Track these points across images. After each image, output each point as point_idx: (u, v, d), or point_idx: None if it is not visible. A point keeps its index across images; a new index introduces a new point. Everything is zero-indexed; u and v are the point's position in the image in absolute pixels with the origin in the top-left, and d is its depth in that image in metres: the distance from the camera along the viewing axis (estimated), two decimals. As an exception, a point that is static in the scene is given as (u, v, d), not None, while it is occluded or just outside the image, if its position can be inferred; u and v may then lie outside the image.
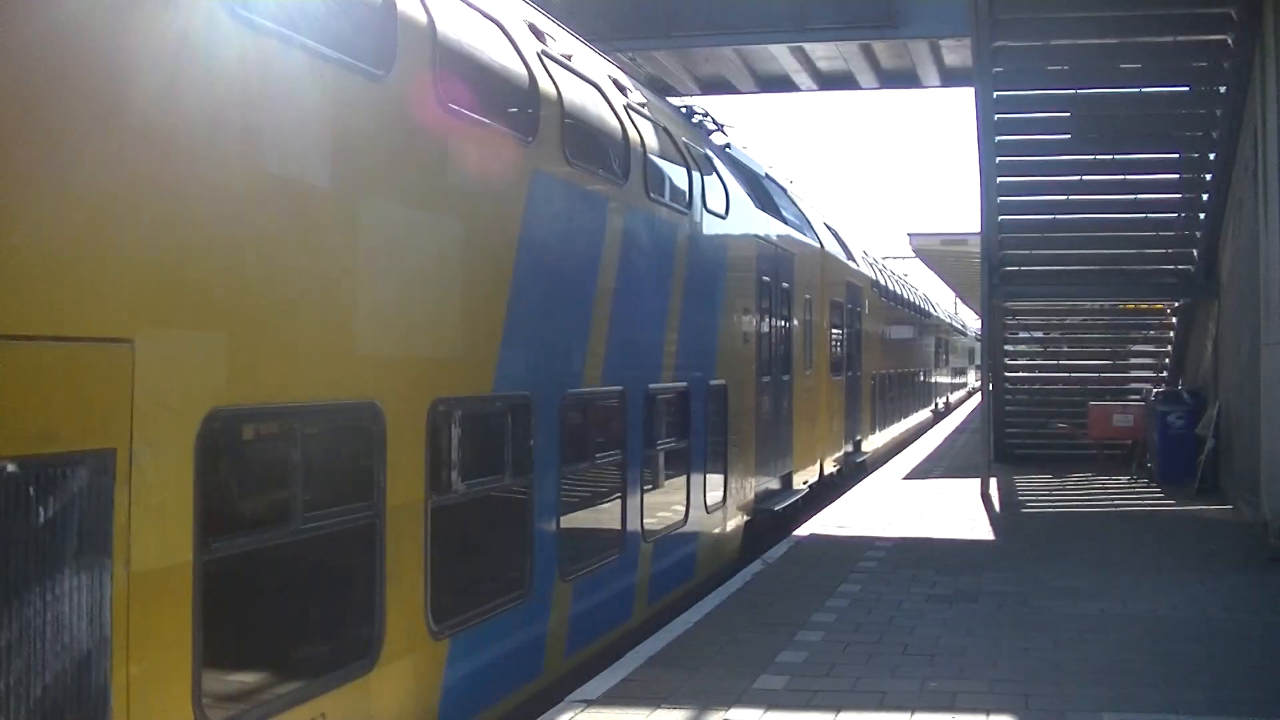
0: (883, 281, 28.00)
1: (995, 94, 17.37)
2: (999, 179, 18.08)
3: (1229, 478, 17.06)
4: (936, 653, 8.54)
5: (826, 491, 18.55)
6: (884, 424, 27.26)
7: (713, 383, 12.33)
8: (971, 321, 63.75)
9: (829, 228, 22.10)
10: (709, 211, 12.43)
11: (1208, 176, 17.52)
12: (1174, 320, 21.67)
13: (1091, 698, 7.38)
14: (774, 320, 15.22)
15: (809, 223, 19.29)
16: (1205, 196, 17.68)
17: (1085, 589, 10.83)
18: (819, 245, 18.98)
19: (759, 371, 14.32)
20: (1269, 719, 7.09)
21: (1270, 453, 13.76)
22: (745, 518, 13.72)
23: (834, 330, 19.96)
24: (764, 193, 16.26)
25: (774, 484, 15.37)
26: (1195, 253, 18.50)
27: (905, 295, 33.72)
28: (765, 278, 14.76)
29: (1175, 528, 14.75)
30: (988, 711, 7.15)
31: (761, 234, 14.85)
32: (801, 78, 24.21)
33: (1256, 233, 14.42)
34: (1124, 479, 19.78)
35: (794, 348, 16.49)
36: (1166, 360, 22.33)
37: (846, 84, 24.89)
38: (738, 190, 14.02)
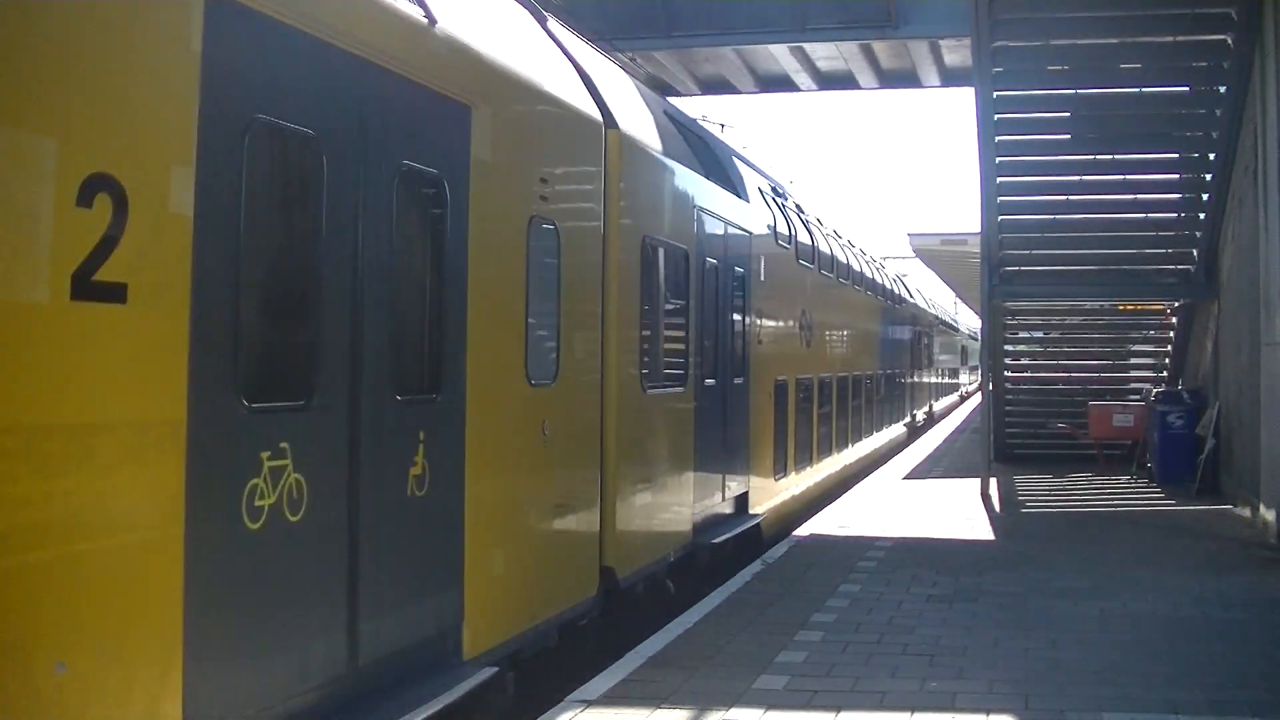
0: (802, 238, 17.36)
1: (995, 94, 17.37)
2: (999, 179, 18.07)
3: (1229, 478, 17.06)
4: (936, 653, 8.54)
5: (628, 621, 9.67)
6: (811, 457, 17.75)
7: None
8: (972, 321, 63.74)
9: (675, 120, 12.54)
10: None
11: (1208, 176, 17.52)
12: (1174, 320, 21.69)
13: (1091, 698, 7.37)
14: (354, 261, 6.08)
15: (586, 79, 9.62)
16: (1205, 196, 17.68)
17: (1085, 589, 10.83)
18: (598, 121, 9.27)
19: (244, 392, 5.18)
20: (1269, 719, 7.09)
21: (1270, 453, 13.76)
22: None
23: (667, 304, 11.01)
24: None
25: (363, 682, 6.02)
26: (1195, 253, 18.49)
27: (855, 266, 22.58)
28: (313, 149, 5.75)
29: (1175, 528, 14.74)
30: (988, 711, 7.15)
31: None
32: (801, 78, 24.21)
33: (1256, 233, 14.43)
34: (1124, 479, 19.78)
35: (474, 331, 7.17)
36: (1166, 360, 22.34)
37: (846, 84, 24.89)
38: None
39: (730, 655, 8.46)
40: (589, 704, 7.27)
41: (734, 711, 7.13)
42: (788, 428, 16.01)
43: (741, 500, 13.70)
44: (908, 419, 31.87)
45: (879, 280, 26.57)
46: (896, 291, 30.00)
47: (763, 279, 14.59)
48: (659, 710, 7.15)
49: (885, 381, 26.62)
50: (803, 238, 17.56)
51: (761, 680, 7.79)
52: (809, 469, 17.63)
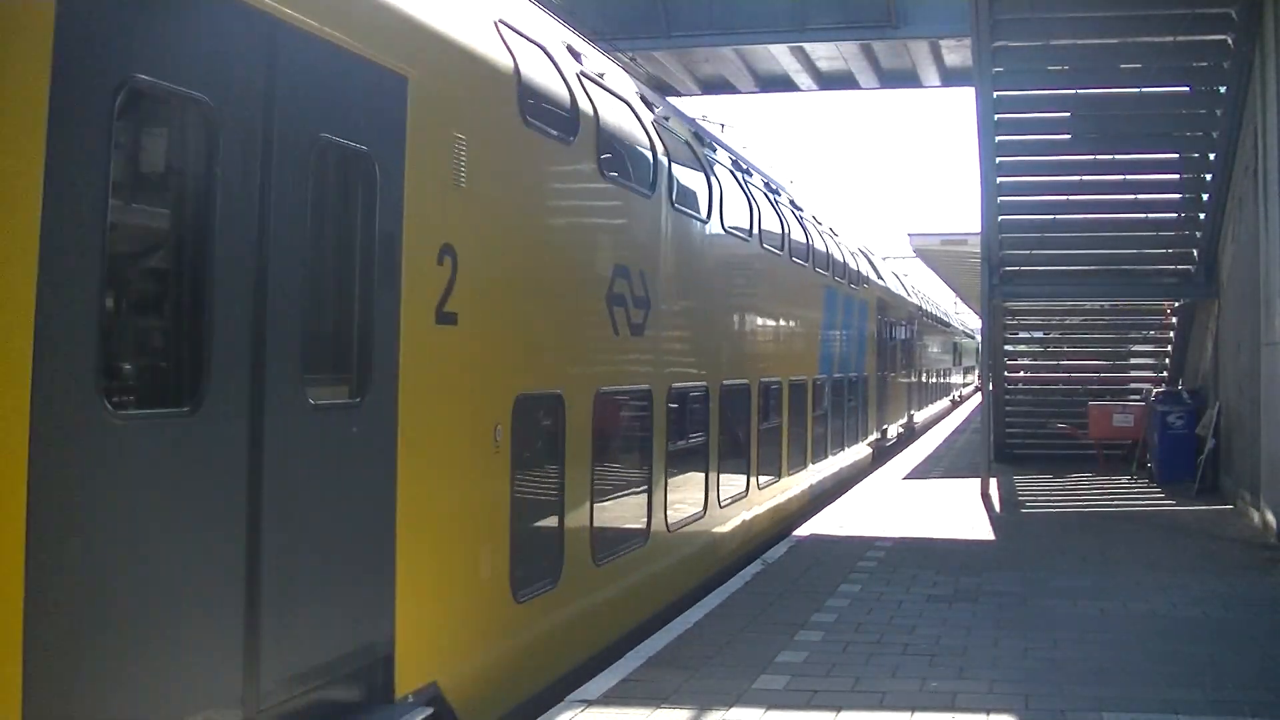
0: (625, 129, 10.02)
1: (995, 94, 17.37)
2: (999, 179, 18.08)
3: (1229, 478, 17.06)
4: (937, 652, 8.54)
5: None
6: (648, 527, 10.14)
7: None
8: (970, 319, 63.79)
9: None
10: None
11: (1208, 176, 17.53)
12: (1174, 320, 21.70)
13: (1091, 698, 7.38)
14: None
15: None
16: (1205, 196, 17.69)
17: (1085, 589, 10.83)
18: None
19: None
20: (1269, 719, 7.09)
21: (1270, 453, 13.77)
22: None
23: None
24: None
25: None
26: (1195, 253, 18.50)
27: (769, 222, 14.92)
28: None
29: (1175, 528, 14.75)
30: (988, 711, 7.15)
31: None
32: (802, 78, 24.26)
33: (1256, 233, 14.44)
34: (1124, 479, 19.79)
35: None
36: (1166, 360, 22.35)
37: (846, 84, 24.96)
38: None
39: (730, 655, 8.46)
40: (589, 704, 7.27)
41: (734, 711, 7.14)
42: (568, 484, 8.45)
43: (374, 674, 5.99)
44: (874, 436, 24.14)
45: (823, 249, 18.61)
46: (854, 268, 21.84)
47: (464, 184, 6.90)
48: (659, 710, 7.15)
49: (833, 389, 19.19)
50: (628, 130, 10.12)
51: (762, 680, 7.79)
52: (642, 551, 10.00)
